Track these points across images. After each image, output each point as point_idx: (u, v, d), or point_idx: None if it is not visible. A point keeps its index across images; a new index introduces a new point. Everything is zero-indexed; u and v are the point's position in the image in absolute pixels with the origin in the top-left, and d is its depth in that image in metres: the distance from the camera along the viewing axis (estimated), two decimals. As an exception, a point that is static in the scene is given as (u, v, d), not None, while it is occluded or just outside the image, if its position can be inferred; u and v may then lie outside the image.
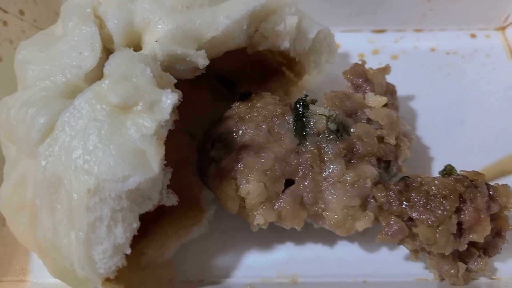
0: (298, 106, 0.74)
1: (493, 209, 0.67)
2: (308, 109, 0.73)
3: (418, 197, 0.67)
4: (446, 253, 0.66)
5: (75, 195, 0.59)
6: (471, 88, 0.96)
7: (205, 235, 0.77)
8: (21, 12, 0.92)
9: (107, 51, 0.70)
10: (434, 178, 0.68)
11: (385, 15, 1.03)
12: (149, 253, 0.73)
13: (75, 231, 0.60)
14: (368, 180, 0.69)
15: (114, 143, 0.59)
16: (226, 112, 0.77)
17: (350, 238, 0.78)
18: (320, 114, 0.72)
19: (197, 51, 0.71)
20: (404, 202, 0.67)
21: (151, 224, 0.74)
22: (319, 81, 0.91)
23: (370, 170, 0.69)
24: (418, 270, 0.74)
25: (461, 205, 0.67)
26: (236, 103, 0.78)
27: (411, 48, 1.02)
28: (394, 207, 0.67)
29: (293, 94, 0.89)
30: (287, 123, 0.73)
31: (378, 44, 1.03)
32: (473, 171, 0.69)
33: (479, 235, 0.65)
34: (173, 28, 0.69)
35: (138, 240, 0.67)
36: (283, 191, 0.70)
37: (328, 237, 0.77)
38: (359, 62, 0.83)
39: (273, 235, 0.78)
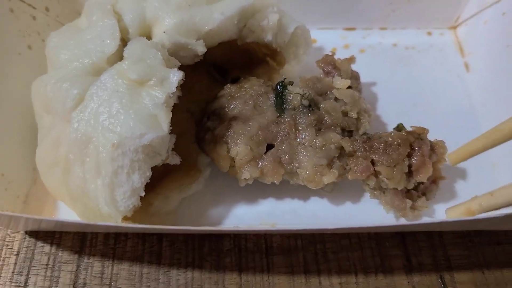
0: (278, 86, 0.86)
1: (433, 158, 0.80)
2: (286, 89, 0.85)
3: (378, 145, 0.80)
4: (399, 188, 0.79)
5: (102, 149, 0.72)
6: (425, 77, 1.06)
7: (201, 191, 0.89)
8: (47, 9, 1.04)
9: (123, 40, 0.82)
10: (390, 132, 0.82)
11: (355, 15, 1.12)
12: (155, 204, 0.84)
13: (102, 178, 0.73)
14: (333, 144, 0.80)
15: (132, 109, 0.72)
16: (220, 92, 0.89)
17: (320, 195, 0.89)
18: (296, 93, 0.84)
19: (196, 41, 0.83)
20: (367, 148, 0.80)
21: (158, 181, 0.85)
22: (298, 71, 1.00)
23: (335, 137, 0.81)
24: (376, 220, 0.86)
25: (411, 151, 0.80)
26: (228, 85, 0.90)
27: (377, 44, 1.12)
28: (360, 153, 0.80)
29: (275, 80, 0.98)
30: (269, 100, 0.85)
31: (348, 40, 1.13)
32: (420, 126, 0.82)
33: (424, 176, 0.79)
34: (178, 22, 0.82)
35: (148, 193, 0.79)
36: (265, 153, 0.82)
37: (302, 194, 0.89)
38: (330, 53, 0.94)
39: (257, 191, 0.90)
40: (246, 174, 0.81)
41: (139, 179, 0.74)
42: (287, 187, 0.88)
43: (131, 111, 0.73)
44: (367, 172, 0.80)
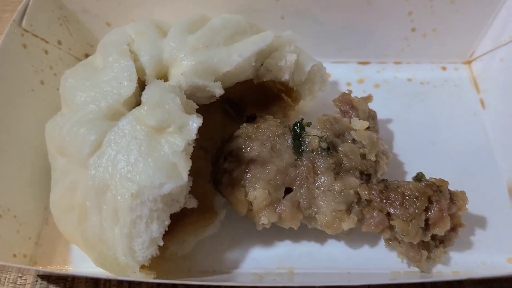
0: (295, 127, 0.84)
1: (452, 209, 0.79)
2: (304, 130, 0.84)
3: (395, 196, 0.78)
4: (415, 243, 0.78)
5: (120, 198, 0.70)
6: (440, 113, 1.04)
7: (217, 234, 0.87)
8: (59, 42, 1.04)
9: (139, 81, 0.81)
10: (409, 182, 0.80)
11: (369, 50, 1.12)
12: (172, 248, 0.83)
13: (120, 227, 0.72)
14: (352, 189, 0.79)
15: (151, 157, 0.71)
16: (236, 131, 0.87)
17: (337, 238, 0.88)
18: (314, 135, 0.83)
19: (214, 82, 0.82)
20: (384, 200, 0.78)
21: (174, 224, 0.81)
22: (312, 105, 1.00)
23: (354, 181, 0.80)
24: (392, 264, 0.84)
25: (429, 205, 0.78)
26: (244, 124, 0.88)
27: (391, 78, 1.11)
28: (376, 204, 0.78)
29: (290, 116, 0.99)
30: (287, 142, 0.83)
31: (363, 74, 1.13)
32: (440, 178, 0.80)
33: (441, 230, 0.78)
34: (195, 64, 0.81)
35: (164, 237, 0.77)
36: (283, 197, 0.80)
37: (319, 236, 0.88)
38: (346, 91, 0.92)
39: (273, 234, 0.88)
40: (264, 219, 0.80)
41: (158, 228, 0.73)
42: (304, 229, 0.86)
43: (150, 159, 0.71)
44: (381, 226, 0.79)
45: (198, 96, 0.84)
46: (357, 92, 0.94)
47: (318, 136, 0.83)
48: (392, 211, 0.78)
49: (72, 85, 0.84)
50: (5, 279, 0.86)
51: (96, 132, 0.76)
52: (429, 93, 1.10)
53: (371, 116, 0.93)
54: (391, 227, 0.79)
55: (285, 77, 0.90)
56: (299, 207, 0.80)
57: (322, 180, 0.80)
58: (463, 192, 0.81)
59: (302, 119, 0.86)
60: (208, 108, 0.92)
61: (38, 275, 0.86)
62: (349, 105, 0.92)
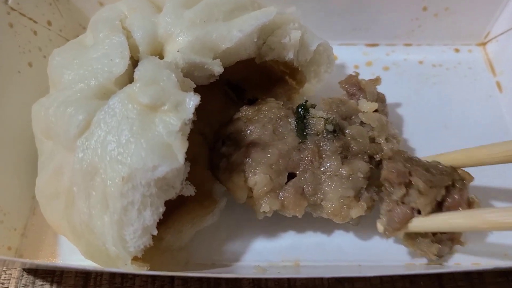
0: (299, 109, 0.80)
1: (464, 204, 0.73)
2: (308, 112, 0.79)
3: (421, 163, 0.74)
4: (424, 212, 0.71)
5: (110, 182, 0.64)
6: (454, 97, 1.00)
7: (216, 224, 0.82)
8: (49, 23, 0.98)
9: (132, 59, 0.75)
10: (435, 161, 0.76)
11: (377, 31, 1.07)
12: (167, 238, 0.77)
13: (109, 214, 0.66)
14: (361, 174, 0.74)
15: (144, 137, 0.65)
16: (235, 114, 0.83)
17: (346, 228, 0.83)
18: (319, 117, 0.78)
19: (213, 60, 0.76)
20: (408, 161, 0.74)
21: (170, 213, 0.77)
22: (318, 89, 0.95)
23: (362, 165, 0.75)
24: (406, 256, 0.79)
25: (451, 188, 0.73)
26: (244, 107, 0.83)
27: (401, 61, 1.06)
28: (400, 162, 0.73)
29: (295, 100, 0.92)
30: (290, 124, 0.78)
31: (371, 57, 1.07)
32: (468, 172, 0.75)
33: None
34: (192, 40, 0.75)
35: (158, 227, 0.71)
36: (286, 183, 0.75)
37: (327, 227, 0.82)
38: (354, 73, 0.88)
39: (277, 224, 0.82)
40: (266, 206, 0.75)
41: (151, 216, 0.67)
42: (310, 219, 0.80)
43: (142, 140, 0.65)
44: (401, 178, 0.72)
45: (195, 75, 0.79)
46: (366, 75, 0.89)
47: (323, 118, 0.78)
48: (415, 172, 0.72)
49: (60, 63, 0.78)
50: (-12, 274, 0.80)
51: (84, 112, 0.70)
52: (442, 76, 1.04)
53: (380, 99, 0.87)
54: (409, 185, 0.73)
55: (289, 55, 0.84)
56: (303, 193, 0.75)
57: (328, 164, 0.75)
58: (479, 202, 0.75)
59: (306, 101, 0.82)
60: (207, 90, 0.86)
61: (24, 269, 0.80)
62: (356, 87, 0.87)
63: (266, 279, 0.77)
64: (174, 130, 0.66)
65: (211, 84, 0.83)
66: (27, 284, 0.79)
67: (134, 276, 0.78)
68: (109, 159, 0.66)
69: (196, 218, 0.80)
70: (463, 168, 0.76)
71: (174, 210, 0.80)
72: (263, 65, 0.88)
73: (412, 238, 0.75)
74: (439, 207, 0.74)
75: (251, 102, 0.86)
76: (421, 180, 0.71)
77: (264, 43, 0.84)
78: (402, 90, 1.01)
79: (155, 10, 0.82)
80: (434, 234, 0.75)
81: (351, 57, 1.07)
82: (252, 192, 0.75)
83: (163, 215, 0.70)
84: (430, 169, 0.73)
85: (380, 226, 0.75)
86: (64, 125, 0.70)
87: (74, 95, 0.72)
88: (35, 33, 0.95)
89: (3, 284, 0.79)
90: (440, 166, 0.75)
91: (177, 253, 0.80)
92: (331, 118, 0.78)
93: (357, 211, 0.73)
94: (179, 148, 0.66)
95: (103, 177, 0.66)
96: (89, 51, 0.77)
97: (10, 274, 0.80)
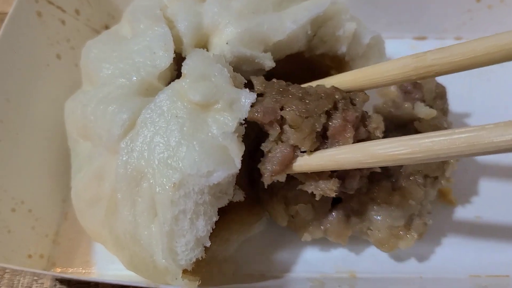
0: None
1: (360, 132, 0.62)
2: None
3: (296, 92, 0.63)
4: (306, 148, 0.60)
5: (159, 189, 0.59)
6: (509, 94, 0.93)
7: (264, 233, 0.77)
8: (77, 12, 0.91)
9: (175, 52, 0.69)
10: (319, 85, 0.65)
11: (426, 23, 1.01)
12: (213, 248, 0.71)
13: (158, 224, 0.60)
14: (413, 201, 0.68)
15: (197, 139, 0.59)
16: None
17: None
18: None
19: (263, 53, 0.70)
20: (281, 92, 0.64)
21: (216, 221, 0.72)
22: None
23: (415, 191, 0.69)
24: (471, 267, 0.73)
25: (333, 111, 0.62)
26: None
27: None
28: (270, 96, 0.63)
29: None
30: None
31: (419, 51, 1.00)
32: (362, 92, 0.64)
33: (342, 143, 0.61)
34: (242, 31, 0.69)
35: None
36: (329, 210, 0.70)
37: None
38: None
39: None
40: (307, 236, 0.71)
41: (205, 226, 0.61)
42: None
43: (195, 142, 0.59)
44: (269, 116, 0.61)
45: (243, 69, 0.73)
46: None
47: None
48: (288, 104, 0.62)
49: (97, 56, 0.72)
50: (18, 283, 0.74)
51: (129, 110, 0.64)
52: (496, 72, 0.95)
53: (439, 95, 0.81)
54: (283, 121, 0.62)
55: (342, 49, 0.78)
56: (348, 221, 0.70)
57: (377, 191, 0.69)
58: (379, 116, 0.65)
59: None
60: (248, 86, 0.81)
61: (57, 279, 0.74)
62: (411, 84, 0.79)
63: (322, 293, 0.71)
64: (230, 131, 0.60)
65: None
66: (61, 295, 0.73)
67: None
68: (157, 163, 0.60)
69: (244, 226, 0.75)
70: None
71: (220, 218, 0.73)
72: (307, 60, 0.82)
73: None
74: (323, 137, 0.63)
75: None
76: (291, 113, 0.61)
77: (315, 35, 0.78)
78: (454, 88, 0.90)
79: (199, -2, 0.76)
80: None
81: (398, 51, 0.95)
82: (293, 218, 0.70)
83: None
84: (306, 96, 0.63)
85: (263, 173, 0.64)
86: (106, 125, 0.64)
87: (115, 91, 0.67)
88: (63, 22, 0.89)
89: (35, 294, 0.73)
90: (319, 90, 0.63)
91: (223, 264, 0.75)
92: (386, 132, 0.70)
93: (406, 242, 0.68)
94: (236, 151, 0.60)
95: (151, 183, 0.60)
96: (129, 43, 0.71)
97: (42, 283, 0.74)
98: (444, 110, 0.80)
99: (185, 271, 0.63)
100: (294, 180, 0.65)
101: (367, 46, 0.82)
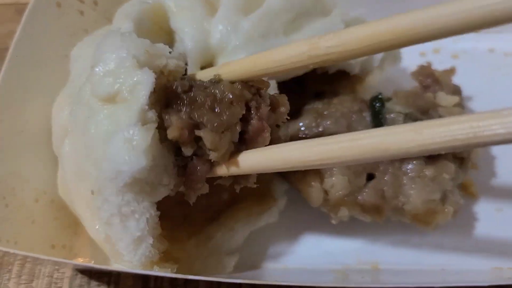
0: (374, 103, 0.74)
1: (270, 119, 0.57)
2: (384, 107, 0.73)
3: (204, 100, 0.54)
4: (222, 161, 0.55)
5: (87, 196, 0.57)
6: None
7: (280, 226, 0.76)
8: (95, 2, 0.91)
9: None
10: (221, 83, 0.56)
11: None
12: (217, 237, 0.71)
13: (98, 231, 0.60)
14: (447, 175, 0.68)
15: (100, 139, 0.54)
16: (303, 108, 0.76)
17: (424, 230, 0.75)
18: (398, 112, 0.72)
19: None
20: (190, 104, 0.55)
21: (222, 210, 0.74)
22: (383, 78, 0.87)
23: (448, 166, 0.69)
24: (494, 259, 0.73)
25: (247, 113, 0.56)
26: (312, 100, 0.77)
27: (471, 49, 0.97)
28: (182, 111, 0.55)
29: (358, 92, 0.86)
30: (365, 120, 0.73)
31: (438, 43, 0.98)
32: (260, 79, 0.57)
33: (260, 146, 0.56)
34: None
35: (210, 224, 0.69)
36: (364, 185, 0.70)
37: (403, 225, 0.76)
38: (425, 63, 0.82)
39: (346, 223, 0.75)
40: (344, 211, 0.70)
41: (137, 225, 0.57)
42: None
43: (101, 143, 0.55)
44: (187, 136, 0.54)
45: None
46: (434, 64, 0.83)
47: (402, 113, 0.72)
48: (200, 119, 0.54)
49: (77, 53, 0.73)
50: (39, 272, 0.74)
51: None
52: (512, 67, 0.96)
53: (456, 91, 0.81)
54: (195, 139, 0.55)
55: (354, 70, 0.76)
56: (383, 196, 0.69)
57: (410, 165, 0.69)
58: (283, 96, 0.60)
59: (380, 94, 0.75)
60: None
61: (77, 269, 0.74)
62: (431, 78, 0.81)
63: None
64: (132, 122, 0.53)
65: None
66: (82, 284, 0.73)
67: (198, 280, 0.72)
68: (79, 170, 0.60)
69: (252, 215, 0.74)
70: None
71: (227, 207, 0.75)
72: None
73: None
74: (241, 141, 0.57)
75: (318, 95, 0.79)
76: (206, 132, 0.53)
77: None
78: (473, 81, 0.92)
79: (208, 9, 0.70)
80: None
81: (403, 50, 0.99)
82: (327, 194, 0.70)
83: (214, 212, 0.68)
84: (215, 104, 0.55)
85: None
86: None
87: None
88: (81, 13, 0.89)
89: (56, 283, 0.73)
90: (226, 91, 0.55)
91: (225, 258, 0.72)
92: (411, 112, 0.72)
93: (443, 216, 0.68)
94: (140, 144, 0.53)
95: (83, 189, 0.60)
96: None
97: (63, 273, 0.74)
98: (461, 106, 0.80)
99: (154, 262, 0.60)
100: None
101: (381, 58, 0.80)
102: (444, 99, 0.76)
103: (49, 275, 0.74)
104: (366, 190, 0.69)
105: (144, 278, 0.73)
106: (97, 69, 0.55)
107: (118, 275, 0.73)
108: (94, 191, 0.55)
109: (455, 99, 0.76)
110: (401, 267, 0.73)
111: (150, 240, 0.58)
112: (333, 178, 0.68)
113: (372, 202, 0.69)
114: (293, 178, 0.73)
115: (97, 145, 0.54)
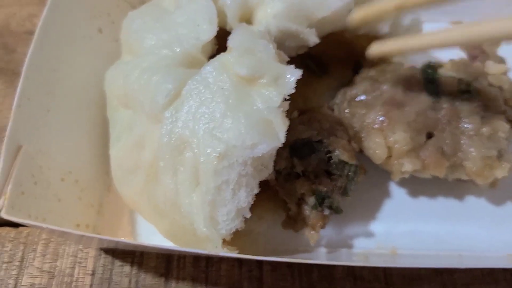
0: (427, 70, 0.76)
1: None
2: (436, 73, 0.76)
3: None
4: None
5: (203, 159, 0.59)
6: None
7: None
8: (117, -15, 0.92)
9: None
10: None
11: (462, 6, 0.93)
12: (247, 224, 0.70)
13: (201, 193, 0.61)
14: (502, 133, 0.71)
15: (242, 112, 0.60)
16: (357, 76, 0.80)
17: (442, 215, 0.77)
18: (451, 76, 0.75)
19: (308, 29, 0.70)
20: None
21: None
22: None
23: (503, 125, 0.71)
24: (510, 246, 0.73)
25: None
26: (365, 69, 0.81)
27: None
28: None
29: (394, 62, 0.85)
30: (419, 84, 0.75)
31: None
32: None
33: None
34: (287, 6, 0.69)
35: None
36: (424, 143, 0.72)
37: (422, 212, 0.77)
38: None
39: (368, 208, 0.78)
40: (408, 166, 0.71)
41: (246, 197, 0.62)
42: (403, 206, 0.78)
43: (240, 115, 0.60)
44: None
45: (286, 45, 0.73)
46: None
47: (457, 78, 0.75)
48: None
49: (140, 26, 0.73)
50: (64, 252, 0.76)
51: (174, 80, 0.64)
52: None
53: (502, 61, 0.88)
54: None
55: (384, 29, 0.77)
56: (443, 153, 0.72)
57: (466, 124, 0.72)
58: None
59: (431, 61, 0.78)
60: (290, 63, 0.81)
61: (101, 249, 0.76)
62: (479, 49, 0.89)
63: (361, 268, 0.72)
64: (275, 105, 0.61)
65: (292, 58, 0.76)
66: (106, 264, 0.74)
67: (220, 260, 0.74)
68: (202, 133, 0.60)
69: (278, 205, 0.75)
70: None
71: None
72: (340, 40, 0.82)
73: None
74: None
75: (356, 69, 0.83)
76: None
77: (358, 14, 0.76)
78: None
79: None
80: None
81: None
82: (391, 151, 0.72)
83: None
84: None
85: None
86: (150, 94, 0.65)
87: (158, 61, 0.67)
88: (103, -4, 0.89)
89: (80, 263, 0.75)
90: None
91: (258, 238, 0.75)
92: (463, 78, 0.75)
93: (501, 171, 0.70)
94: (281, 126, 0.61)
95: (195, 152, 0.61)
96: (172, 15, 0.72)
97: (87, 253, 0.76)
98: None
99: (224, 241, 0.64)
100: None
101: (406, 28, 0.80)
102: (493, 67, 0.78)
103: (73, 255, 0.76)
104: (427, 147, 0.71)
105: (167, 259, 0.74)
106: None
107: (141, 255, 0.75)
108: (221, 154, 0.58)
109: (503, 67, 0.78)
110: (419, 252, 0.73)
111: (248, 215, 0.63)
112: (395, 135, 0.71)
113: (433, 158, 0.71)
114: (357, 138, 0.75)
115: (234, 115, 0.60)
